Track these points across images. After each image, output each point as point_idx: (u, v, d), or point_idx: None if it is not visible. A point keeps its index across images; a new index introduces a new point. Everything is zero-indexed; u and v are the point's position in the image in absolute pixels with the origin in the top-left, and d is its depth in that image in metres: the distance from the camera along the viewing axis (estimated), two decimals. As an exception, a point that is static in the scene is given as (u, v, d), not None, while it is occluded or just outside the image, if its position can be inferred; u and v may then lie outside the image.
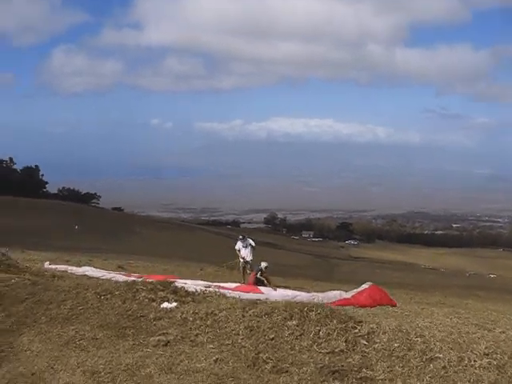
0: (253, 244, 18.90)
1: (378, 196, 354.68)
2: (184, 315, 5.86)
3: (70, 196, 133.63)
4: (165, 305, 6.37)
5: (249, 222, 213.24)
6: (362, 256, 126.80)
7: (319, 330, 5.14)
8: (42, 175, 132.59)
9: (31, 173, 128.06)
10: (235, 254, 19.43)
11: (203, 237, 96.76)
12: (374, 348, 4.75)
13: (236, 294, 11.43)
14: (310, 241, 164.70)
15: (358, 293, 11.86)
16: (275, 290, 11.94)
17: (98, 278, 13.00)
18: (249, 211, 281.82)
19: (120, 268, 19.63)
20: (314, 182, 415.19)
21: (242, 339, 5.14)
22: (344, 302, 11.48)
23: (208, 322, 5.61)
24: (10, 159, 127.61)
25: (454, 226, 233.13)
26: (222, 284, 12.09)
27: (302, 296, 11.39)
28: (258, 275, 17.53)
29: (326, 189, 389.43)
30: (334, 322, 5.26)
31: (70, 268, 14.37)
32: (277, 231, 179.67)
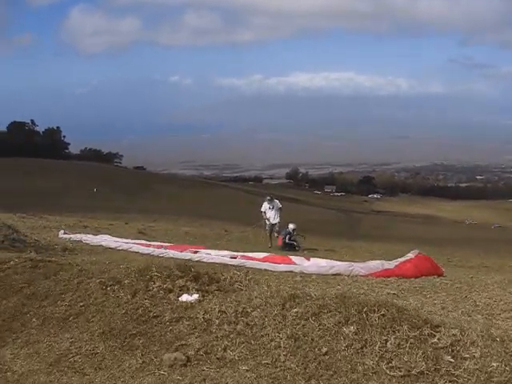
0: (280, 205, 17.68)
1: (400, 149, 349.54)
2: (208, 315, 4.66)
3: (93, 156, 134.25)
4: (184, 297, 5.14)
5: (271, 178, 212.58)
6: (386, 210, 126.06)
7: (386, 341, 3.89)
8: (64, 136, 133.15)
9: (53, 134, 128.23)
10: (261, 216, 18.26)
11: (226, 194, 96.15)
12: (465, 369, 3.50)
13: (266, 265, 10.30)
14: (332, 195, 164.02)
15: (402, 263, 10.61)
16: (308, 259, 10.73)
17: (112, 249, 12.01)
18: (271, 167, 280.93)
19: (140, 233, 18.67)
20: (336, 136, 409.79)
21: (285, 356, 3.92)
22: (386, 273, 10.25)
23: (238, 327, 4.40)
24: (32, 121, 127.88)
25: (479, 177, 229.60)
26: (248, 254, 10.93)
27: (338, 266, 10.18)
28: (287, 239, 16.40)
29: (348, 143, 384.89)
30: (405, 327, 3.99)
31: (84, 237, 13.35)
32: (299, 186, 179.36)
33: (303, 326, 4.20)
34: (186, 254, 11.04)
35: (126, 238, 14.49)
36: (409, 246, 28.31)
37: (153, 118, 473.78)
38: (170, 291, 5.28)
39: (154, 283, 5.41)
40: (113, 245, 12.30)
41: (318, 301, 4.57)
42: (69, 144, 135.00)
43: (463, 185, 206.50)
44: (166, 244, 12.15)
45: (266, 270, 10.13)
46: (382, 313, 4.16)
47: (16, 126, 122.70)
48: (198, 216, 45.37)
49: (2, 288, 5.84)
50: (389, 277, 10.11)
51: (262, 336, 4.21)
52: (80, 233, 15.20)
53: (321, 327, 4.14)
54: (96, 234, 15.48)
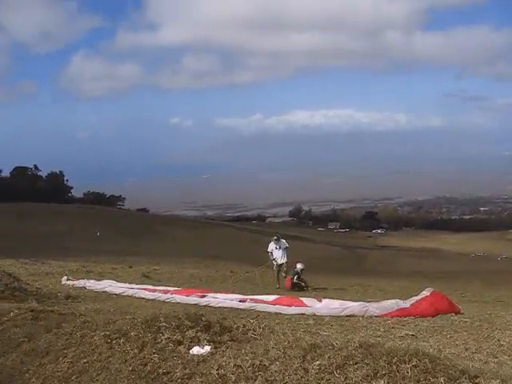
0: (286, 245, 17.32)
1: (401, 183, 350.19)
2: (222, 370, 4.26)
3: (96, 199, 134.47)
4: (195, 350, 4.75)
5: (274, 216, 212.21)
6: (390, 244, 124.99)
7: (422, 396, 3.51)
8: (67, 180, 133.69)
9: (56, 178, 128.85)
10: (267, 258, 17.88)
11: (230, 234, 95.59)
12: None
13: (277, 308, 9.91)
14: (336, 232, 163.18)
15: (418, 301, 10.22)
16: (319, 300, 10.33)
17: (117, 295, 11.64)
18: (273, 205, 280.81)
19: (145, 277, 18.28)
20: (337, 173, 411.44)
21: (311, 417, 3.55)
22: (402, 313, 9.86)
23: (256, 384, 4.01)
24: (35, 166, 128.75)
25: (482, 209, 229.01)
26: (258, 297, 10.56)
27: (352, 307, 9.80)
28: (295, 279, 15.97)
29: (349, 179, 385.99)
30: (441, 379, 3.58)
31: (88, 284, 13.01)
32: (303, 224, 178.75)
33: (328, 380, 3.82)
34: (193, 299, 10.69)
35: (131, 283, 14.14)
36: (417, 281, 27.93)
37: (154, 160, 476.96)
38: (180, 343, 4.90)
39: (163, 335, 5.04)
40: (117, 291, 11.96)
41: (342, 351, 4.19)
42: (72, 188, 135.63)
43: (467, 217, 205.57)
44: (172, 289, 11.76)
45: (276, 313, 9.76)
46: (414, 363, 3.79)
47: (19, 171, 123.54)
48: (203, 257, 44.89)
49: (0, 343, 5.48)
50: (405, 317, 9.73)
51: (284, 396, 3.82)
52: (83, 278, 14.86)
53: (347, 381, 3.77)
54: (100, 279, 15.13)
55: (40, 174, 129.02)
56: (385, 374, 3.69)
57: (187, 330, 5.10)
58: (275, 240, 17.12)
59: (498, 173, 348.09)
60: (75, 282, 13.22)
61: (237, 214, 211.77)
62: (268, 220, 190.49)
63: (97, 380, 4.53)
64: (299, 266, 16.46)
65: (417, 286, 21.39)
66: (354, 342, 4.36)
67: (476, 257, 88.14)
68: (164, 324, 5.20)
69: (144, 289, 11.94)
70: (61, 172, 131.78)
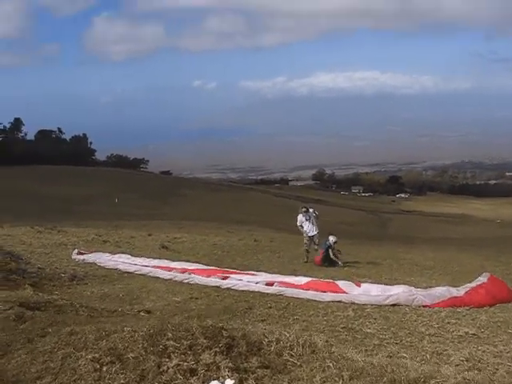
0: (315, 214, 15.95)
1: (427, 147, 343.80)
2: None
3: (119, 162, 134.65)
4: None
5: (297, 180, 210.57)
6: (415, 209, 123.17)
7: None
8: (91, 143, 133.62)
9: (80, 141, 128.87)
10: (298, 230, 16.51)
11: (253, 197, 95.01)
12: None
13: (310, 294, 8.65)
14: (360, 196, 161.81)
15: (473, 289, 8.81)
16: (358, 285, 9.03)
17: (130, 274, 10.50)
18: (296, 168, 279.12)
19: (164, 248, 17.15)
20: (361, 137, 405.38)
21: None
22: (455, 302, 8.46)
23: None
24: (59, 129, 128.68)
25: (508, 174, 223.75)
26: (287, 279, 9.29)
27: (396, 296, 8.47)
28: (330, 253, 14.64)
29: (374, 142, 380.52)
30: None
31: (99, 260, 11.88)
32: (326, 188, 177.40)
33: None
34: (214, 280, 9.49)
35: (147, 257, 13.02)
36: (451, 251, 26.42)
37: (177, 124, 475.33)
38: (193, 373, 3.63)
39: (170, 359, 3.77)
40: (130, 269, 10.81)
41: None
42: (95, 151, 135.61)
43: (492, 182, 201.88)
44: (191, 267, 10.55)
45: (309, 300, 8.51)
46: None
47: (43, 135, 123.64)
48: (225, 221, 43.95)
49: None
50: (458, 307, 8.39)
51: None
52: (96, 251, 13.80)
53: None
54: (114, 252, 14.09)
55: (64, 137, 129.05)
56: None
57: (202, 351, 3.83)
58: (304, 212, 15.76)
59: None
60: (85, 257, 12.14)
61: (260, 177, 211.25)
62: (291, 183, 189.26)
63: None
64: (332, 238, 15.08)
65: (455, 259, 19.95)
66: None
67: (503, 223, 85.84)
68: (172, 343, 3.93)
69: (160, 267, 10.75)
70: (84, 135, 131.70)
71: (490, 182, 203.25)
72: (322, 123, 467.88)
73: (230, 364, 3.70)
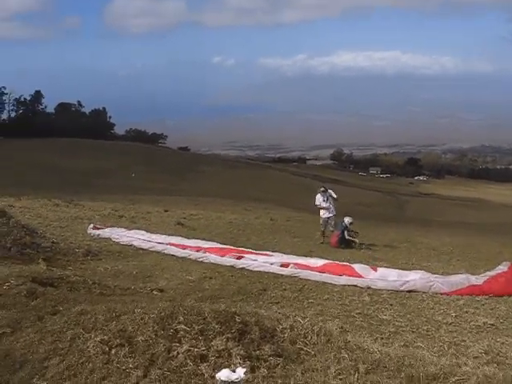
0: (334, 196, 15.73)
1: (447, 129, 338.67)
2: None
3: (137, 137, 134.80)
4: (224, 375, 3.28)
5: (315, 159, 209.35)
6: (433, 192, 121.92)
7: None
8: (110, 117, 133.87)
9: (99, 115, 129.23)
10: (315, 209, 16.33)
11: (271, 175, 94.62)
12: None
13: (325, 277, 8.53)
14: (377, 177, 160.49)
15: (493, 277, 8.60)
16: (374, 269, 8.88)
17: (144, 251, 10.46)
18: (314, 147, 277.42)
19: (179, 224, 17.13)
20: (380, 117, 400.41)
21: None
22: (473, 291, 8.27)
23: None
24: (78, 102, 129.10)
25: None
26: (304, 262, 9.16)
27: (414, 282, 8.32)
28: (345, 235, 14.47)
29: (393, 123, 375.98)
30: None
31: (114, 235, 11.87)
32: (343, 168, 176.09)
33: None
34: (229, 260, 9.42)
35: (162, 233, 12.99)
36: (469, 235, 26.08)
37: (196, 99, 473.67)
38: (203, 359, 3.55)
39: (180, 344, 3.67)
40: (145, 245, 10.77)
41: None
42: (114, 125, 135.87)
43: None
44: (205, 245, 10.48)
45: (324, 283, 8.39)
46: None
47: (63, 108, 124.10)
48: (242, 199, 43.88)
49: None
50: (477, 295, 8.21)
51: None
52: (112, 226, 13.80)
53: None
54: (130, 227, 14.09)
55: (83, 110, 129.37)
56: None
57: (214, 337, 3.73)
58: (322, 192, 15.55)
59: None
60: (100, 232, 12.14)
61: (278, 155, 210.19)
62: (309, 162, 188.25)
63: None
64: (347, 219, 14.90)
65: (472, 244, 19.65)
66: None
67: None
68: (183, 327, 3.83)
69: (174, 244, 10.69)
70: (104, 109, 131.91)
71: (510, 166, 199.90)
72: (342, 102, 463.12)
73: (242, 351, 3.58)
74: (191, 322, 3.92)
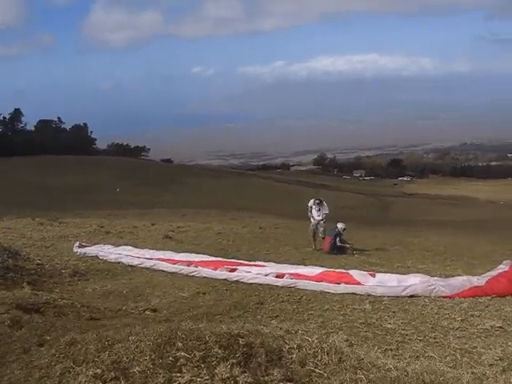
0: (327, 211, 15.35)
1: (428, 130, 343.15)
2: None
3: (120, 150, 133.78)
4: None
5: (299, 164, 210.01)
6: (417, 192, 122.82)
7: None
8: (91, 132, 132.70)
9: (80, 131, 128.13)
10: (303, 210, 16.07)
11: (255, 183, 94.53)
12: None
13: (323, 286, 8.25)
14: (362, 180, 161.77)
15: (495, 278, 8.39)
16: (373, 275, 8.62)
17: (133, 267, 10.09)
18: (297, 153, 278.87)
19: (167, 237, 16.75)
20: (361, 120, 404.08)
21: None
22: (476, 292, 8.03)
23: None
24: (59, 119, 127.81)
25: (510, 155, 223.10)
26: (299, 271, 8.86)
27: (414, 286, 8.06)
28: (337, 241, 14.19)
29: (374, 126, 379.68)
30: None
31: (101, 252, 11.46)
32: (327, 172, 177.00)
33: None
34: (222, 273, 9.08)
35: (151, 248, 12.62)
36: (458, 235, 26.06)
37: (176, 110, 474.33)
38: (207, 389, 3.23)
39: (181, 373, 3.32)
40: (134, 262, 10.38)
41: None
42: (95, 140, 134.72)
43: (494, 163, 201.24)
44: (197, 259, 10.14)
45: (322, 292, 8.11)
46: None
47: (43, 124, 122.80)
48: (228, 208, 43.59)
49: None
50: (480, 297, 7.99)
51: None
52: (98, 243, 13.40)
53: None
54: (117, 243, 13.69)
55: (64, 126, 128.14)
56: None
57: (218, 363, 3.40)
58: (317, 204, 15.23)
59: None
60: (87, 251, 11.72)
61: (261, 163, 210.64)
62: (292, 168, 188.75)
63: None
64: (340, 225, 14.64)
65: (464, 243, 19.56)
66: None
67: (506, 204, 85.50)
68: (183, 354, 3.49)
69: (164, 259, 10.33)
70: (85, 124, 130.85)
71: (491, 163, 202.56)
72: (322, 106, 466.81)
73: (250, 378, 3.25)
74: (191, 347, 3.57)
